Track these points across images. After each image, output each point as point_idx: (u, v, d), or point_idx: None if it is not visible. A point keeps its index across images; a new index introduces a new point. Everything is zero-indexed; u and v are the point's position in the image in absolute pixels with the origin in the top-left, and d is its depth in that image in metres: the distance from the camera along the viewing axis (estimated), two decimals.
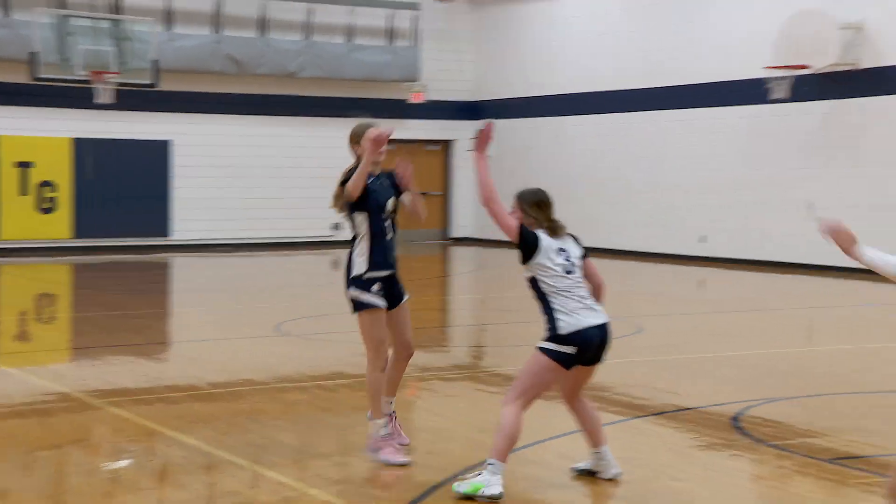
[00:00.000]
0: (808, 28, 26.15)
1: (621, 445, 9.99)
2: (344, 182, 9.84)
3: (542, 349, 8.74)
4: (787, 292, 24.28)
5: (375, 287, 9.91)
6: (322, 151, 33.04)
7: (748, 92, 28.13)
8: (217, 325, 18.82)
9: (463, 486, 8.88)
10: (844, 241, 6.21)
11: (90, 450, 10.57)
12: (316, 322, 18.75)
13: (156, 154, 31.80)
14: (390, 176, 10.39)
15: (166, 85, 30.38)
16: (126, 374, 14.21)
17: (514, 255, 8.61)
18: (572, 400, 9.14)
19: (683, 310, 21.40)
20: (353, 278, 9.88)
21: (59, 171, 30.83)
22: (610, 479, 9.01)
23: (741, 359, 15.35)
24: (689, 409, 12.05)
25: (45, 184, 30.76)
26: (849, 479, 9.46)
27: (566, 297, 8.71)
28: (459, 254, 33.57)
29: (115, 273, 27.16)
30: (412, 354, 10.35)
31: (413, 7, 34.65)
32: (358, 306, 9.94)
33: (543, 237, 8.92)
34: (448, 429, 11.20)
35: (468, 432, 10.84)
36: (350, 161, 10.23)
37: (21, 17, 29.43)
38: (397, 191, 10.36)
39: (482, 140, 8.75)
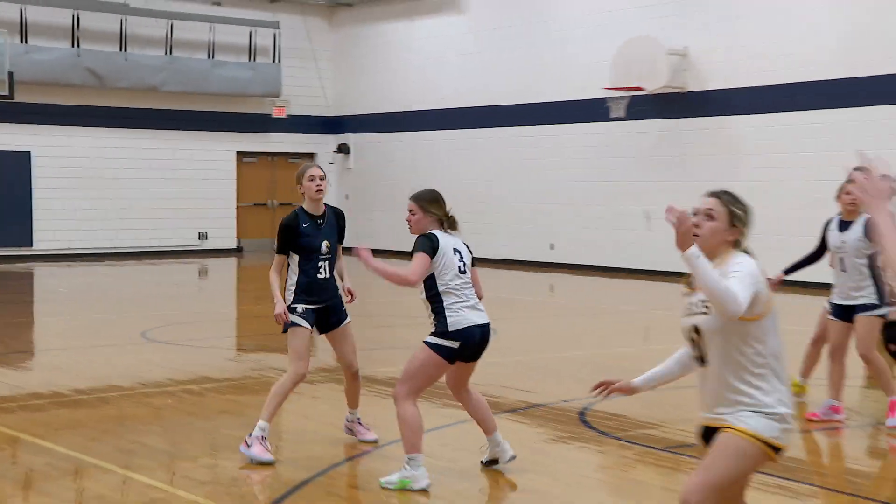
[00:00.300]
0: (640, 53, 26.62)
1: (478, 441, 10.14)
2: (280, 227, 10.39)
3: (428, 343, 8.95)
4: (628, 296, 24.80)
5: (300, 309, 10.25)
6: (186, 164, 33.26)
7: (590, 111, 28.52)
8: (82, 333, 18.56)
9: (391, 484, 9.11)
10: (684, 234, 5.85)
11: None
12: (182, 329, 18.66)
13: (16, 165, 31.31)
14: (338, 216, 10.71)
15: (24, 97, 29.87)
16: None
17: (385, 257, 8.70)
18: (459, 391, 9.41)
19: (535, 313, 21.75)
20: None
21: None
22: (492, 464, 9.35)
23: (587, 358, 15.70)
24: (540, 405, 12.37)
25: None
26: (682, 465, 9.79)
27: (456, 295, 8.97)
28: None
29: None
30: (356, 372, 10.62)
31: (273, 25, 34.62)
32: (284, 327, 10.23)
33: (441, 236, 9.18)
34: (312, 430, 11.24)
35: (332, 432, 10.81)
36: None
37: None
38: (340, 232, 10.61)
39: (364, 257, 8.81)
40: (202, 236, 33.73)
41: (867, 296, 11.06)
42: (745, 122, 26.10)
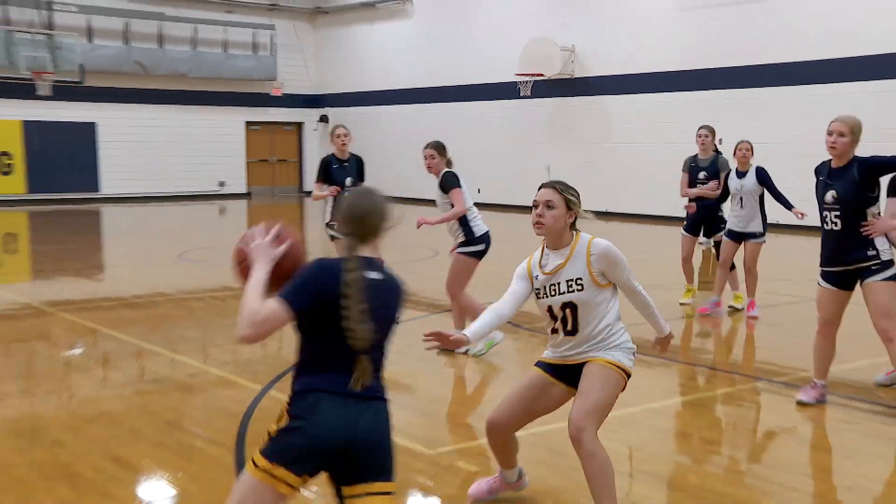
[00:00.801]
0: (541, 48, 26.85)
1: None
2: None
3: (462, 252, 9.45)
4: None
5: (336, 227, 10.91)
6: (209, 131, 33.31)
7: (505, 91, 28.74)
8: (136, 254, 18.60)
9: (480, 352, 9.43)
10: None
11: (49, 343, 10.61)
12: (209, 252, 18.61)
13: (85, 132, 31.24)
14: (359, 161, 11.48)
15: (91, 82, 29.91)
16: (71, 289, 14.16)
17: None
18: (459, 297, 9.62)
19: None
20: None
21: (13, 144, 30.22)
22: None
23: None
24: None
25: (4, 154, 30.18)
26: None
27: (473, 212, 9.52)
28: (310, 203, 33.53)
29: (59, 219, 26.49)
30: None
31: (270, 27, 34.54)
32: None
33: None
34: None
35: None
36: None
37: None
38: (360, 171, 11.36)
39: (423, 221, 9.66)
40: (221, 184, 33.80)
41: (756, 226, 11.27)
42: (615, 100, 26.38)
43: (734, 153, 11.37)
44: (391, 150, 31.39)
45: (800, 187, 11.71)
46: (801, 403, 7.63)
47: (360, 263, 3.87)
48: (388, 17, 33.30)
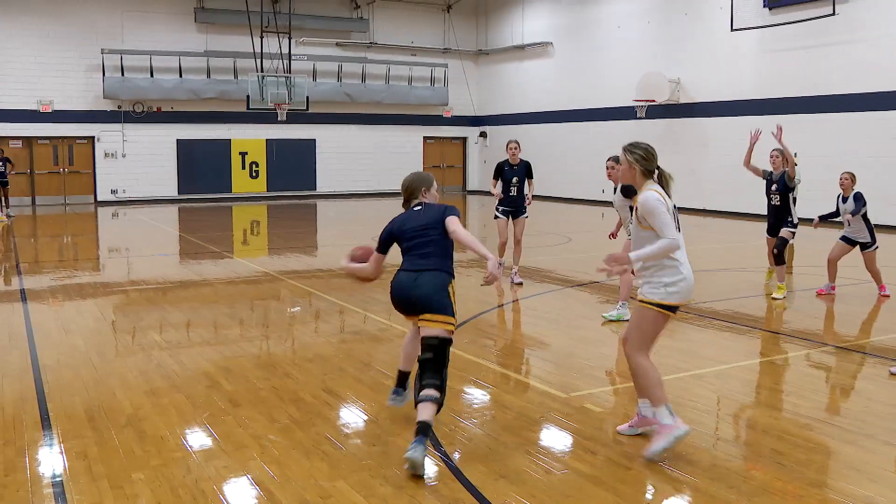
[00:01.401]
0: (653, 79, 26.38)
1: (561, 303, 10.33)
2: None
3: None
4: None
5: (500, 210, 12.33)
6: (396, 144, 33.73)
7: (625, 113, 28.26)
8: (344, 237, 18.75)
9: (612, 316, 9.23)
10: (623, 269, 5.32)
11: (280, 301, 10.93)
12: None
13: (309, 146, 32.09)
14: (527, 165, 12.31)
15: (313, 109, 30.72)
16: (296, 262, 14.53)
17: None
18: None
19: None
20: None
21: (260, 156, 31.23)
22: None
23: None
24: (596, 282, 12.01)
25: (253, 163, 31.25)
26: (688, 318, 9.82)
27: None
28: (471, 198, 33.70)
29: (288, 209, 27.26)
30: (520, 240, 12.34)
31: (444, 66, 34.72)
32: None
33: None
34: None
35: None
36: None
37: (243, 78, 29.99)
38: (528, 172, 12.29)
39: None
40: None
41: (864, 237, 10.80)
42: (711, 121, 25.73)
43: (839, 182, 10.97)
44: (534, 158, 31.17)
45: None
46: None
47: (412, 206, 5.82)
48: (533, 57, 33.06)
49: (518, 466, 5.08)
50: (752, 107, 24.11)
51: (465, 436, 5.61)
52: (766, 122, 23.17)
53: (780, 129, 10.74)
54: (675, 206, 5.37)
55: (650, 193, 5.25)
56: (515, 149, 12.00)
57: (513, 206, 12.15)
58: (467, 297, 11.10)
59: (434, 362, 5.25)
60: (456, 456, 5.27)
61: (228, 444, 5.46)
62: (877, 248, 10.85)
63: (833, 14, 21.33)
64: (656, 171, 5.41)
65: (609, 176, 9.03)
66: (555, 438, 5.67)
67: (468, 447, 5.44)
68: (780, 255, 10.79)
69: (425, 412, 5.11)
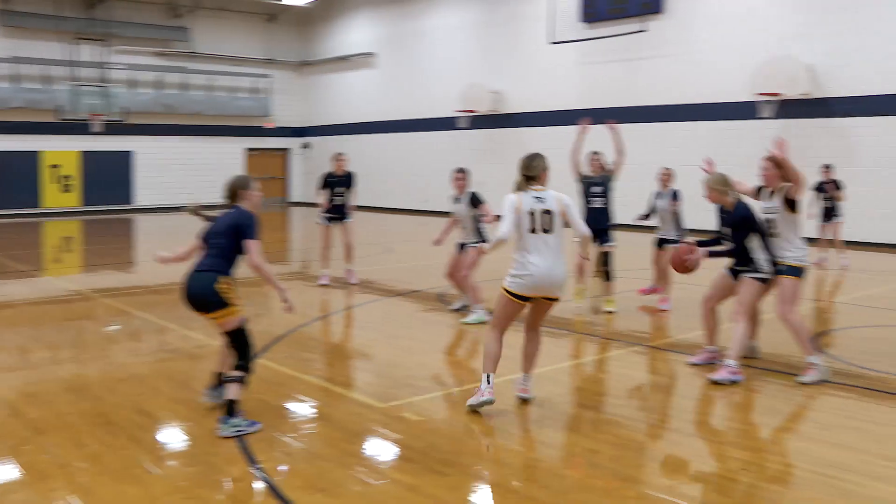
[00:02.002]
0: (475, 91, 27.02)
1: (383, 313, 10.38)
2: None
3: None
4: None
5: (325, 217, 13.11)
6: (218, 155, 32.94)
7: (447, 123, 28.72)
8: (158, 247, 18.29)
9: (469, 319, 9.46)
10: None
11: (93, 321, 10.46)
12: None
13: (125, 159, 30.75)
14: (350, 175, 12.93)
15: (132, 120, 29.71)
16: (110, 280, 13.95)
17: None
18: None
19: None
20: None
21: (73, 169, 29.69)
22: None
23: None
24: (418, 290, 12.22)
25: (66, 177, 29.70)
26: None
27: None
28: (293, 209, 33.36)
29: (104, 224, 26.05)
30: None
31: (267, 76, 34.32)
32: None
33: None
34: None
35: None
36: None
37: (54, 86, 28.52)
38: (351, 183, 12.94)
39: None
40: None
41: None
42: (534, 130, 26.50)
43: (659, 177, 11.24)
44: (358, 169, 31.14)
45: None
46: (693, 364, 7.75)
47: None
48: (357, 68, 33.09)
49: (336, 479, 5.08)
50: (571, 117, 24.91)
51: (283, 451, 5.56)
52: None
53: (611, 125, 11.02)
54: (546, 210, 6.11)
55: (508, 195, 6.18)
56: (342, 160, 12.84)
57: (338, 214, 12.94)
58: None
59: (235, 348, 5.94)
60: (275, 471, 5.21)
61: (31, 475, 5.18)
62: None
63: (643, 31, 22.49)
64: (525, 178, 6.23)
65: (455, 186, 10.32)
66: (373, 449, 5.69)
67: (287, 462, 5.38)
68: (608, 271, 10.65)
69: (230, 392, 5.84)
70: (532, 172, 6.22)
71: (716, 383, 7.14)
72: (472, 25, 28.30)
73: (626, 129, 22.96)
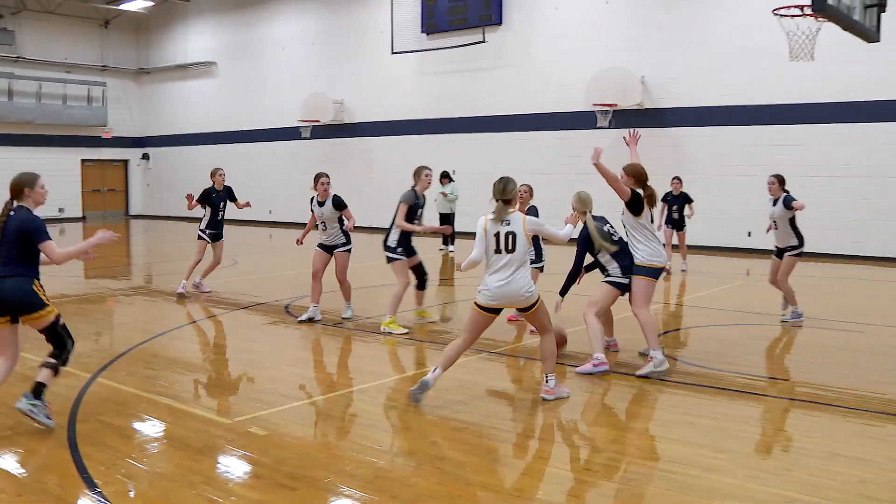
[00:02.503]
0: (317, 101, 27.05)
1: (228, 326, 10.19)
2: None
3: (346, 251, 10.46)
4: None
5: (207, 232, 12.96)
6: (53, 167, 31.34)
7: (289, 133, 28.51)
8: None
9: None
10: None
11: None
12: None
13: None
14: (229, 190, 12.87)
15: None
16: None
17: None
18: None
19: (264, 251, 21.52)
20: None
21: None
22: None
23: (295, 276, 15.44)
24: (264, 303, 12.15)
25: None
26: (342, 332, 9.82)
27: None
28: (135, 223, 32.36)
29: None
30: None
31: (103, 84, 33.13)
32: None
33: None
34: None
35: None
36: None
37: None
38: (231, 197, 13.01)
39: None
40: (61, 210, 31.97)
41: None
42: (377, 140, 26.54)
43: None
44: (199, 180, 30.52)
45: None
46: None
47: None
48: (198, 76, 32.45)
49: (182, 499, 4.92)
50: (414, 127, 25.29)
51: (124, 473, 5.34)
52: (428, 143, 24.68)
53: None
54: (509, 232, 6.62)
55: (480, 218, 6.74)
56: (222, 175, 12.95)
57: (218, 230, 12.97)
58: (131, 327, 10.66)
59: (55, 342, 6.18)
60: (115, 495, 5.00)
61: None
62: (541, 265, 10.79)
63: (483, 41, 22.94)
64: (499, 200, 6.67)
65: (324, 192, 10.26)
66: (220, 466, 5.55)
67: (129, 485, 5.17)
68: (422, 282, 10.50)
69: (41, 374, 6.12)
70: (508, 196, 6.66)
71: (583, 374, 7.75)
72: (315, 35, 28.17)
73: (467, 139, 23.97)
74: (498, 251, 6.65)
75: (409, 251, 10.14)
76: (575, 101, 21.68)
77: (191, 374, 8.32)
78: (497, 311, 6.81)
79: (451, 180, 20.29)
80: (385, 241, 10.06)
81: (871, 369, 8.17)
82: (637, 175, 7.77)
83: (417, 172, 10.06)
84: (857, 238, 18.29)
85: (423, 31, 24.75)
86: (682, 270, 16.04)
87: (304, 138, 27.70)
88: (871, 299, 13.13)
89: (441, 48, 24.14)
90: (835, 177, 18.44)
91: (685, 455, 5.66)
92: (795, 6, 12.14)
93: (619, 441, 6.12)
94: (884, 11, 9.60)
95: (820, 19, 11.13)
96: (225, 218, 13.10)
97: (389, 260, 10.07)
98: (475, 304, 6.76)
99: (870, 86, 17.86)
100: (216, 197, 12.79)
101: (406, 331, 9.88)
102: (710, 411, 6.81)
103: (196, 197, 12.61)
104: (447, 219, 19.78)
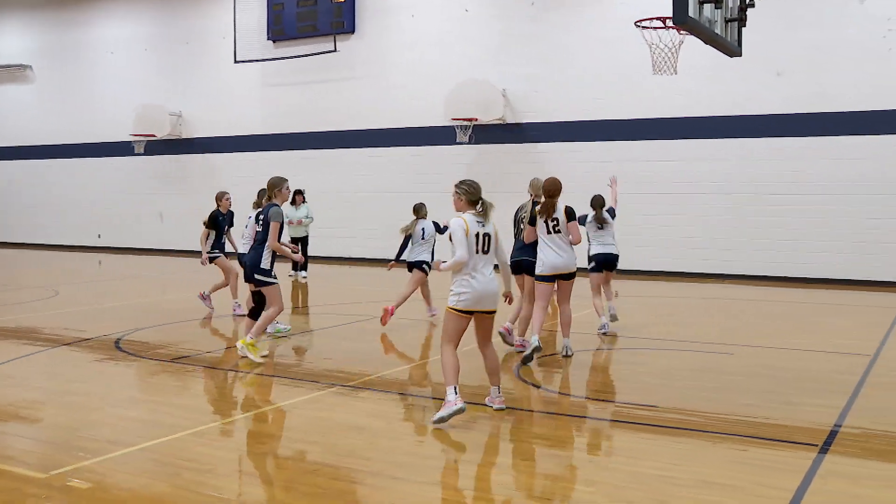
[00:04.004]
0: (152, 112, 26.44)
1: (47, 366, 9.73)
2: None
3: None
4: (150, 266, 24.04)
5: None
6: None
7: (122, 149, 27.70)
8: None
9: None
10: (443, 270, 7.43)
11: None
12: None
13: None
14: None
15: None
16: None
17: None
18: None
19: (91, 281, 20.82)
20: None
21: None
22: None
23: (126, 307, 15.05)
24: (91, 338, 11.68)
25: None
26: (186, 371, 9.57)
27: None
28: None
29: None
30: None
31: None
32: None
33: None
34: None
35: None
36: None
37: None
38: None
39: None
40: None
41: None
42: (220, 157, 26.15)
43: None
44: (12, 200, 29.36)
45: None
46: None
47: None
48: (8, 81, 30.98)
49: None
50: (260, 143, 25.06)
51: None
52: (277, 159, 24.46)
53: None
54: (486, 233, 7.28)
55: (455, 219, 7.29)
56: (228, 199, 13.92)
57: (222, 251, 14.02)
58: None
59: None
60: None
61: None
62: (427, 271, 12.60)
63: (335, 50, 22.92)
64: (480, 202, 7.35)
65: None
66: None
67: None
68: (259, 307, 10.42)
69: None
70: (478, 196, 7.36)
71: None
72: (149, 40, 27.53)
73: (319, 155, 23.88)
74: (478, 252, 7.28)
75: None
76: (433, 115, 21.91)
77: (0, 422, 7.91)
78: (471, 314, 7.34)
79: (304, 200, 19.87)
80: (256, 263, 9.91)
81: (741, 391, 8.52)
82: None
83: (277, 185, 10.15)
84: (728, 257, 19.14)
85: (269, 39, 24.57)
86: None
87: (138, 154, 26.95)
88: (738, 319, 13.69)
89: (289, 57, 24.00)
90: (707, 193, 19.29)
91: (553, 489, 5.73)
92: (658, 18, 12.68)
93: (479, 477, 6.14)
94: (745, 26, 10.14)
95: (682, 32, 11.70)
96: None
97: (263, 284, 9.96)
98: (454, 310, 7.27)
99: (737, 101, 18.80)
100: (221, 220, 13.89)
101: (263, 361, 9.82)
102: (579, 443, 6.92)
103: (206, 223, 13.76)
104: (301, 242, 19.50)
